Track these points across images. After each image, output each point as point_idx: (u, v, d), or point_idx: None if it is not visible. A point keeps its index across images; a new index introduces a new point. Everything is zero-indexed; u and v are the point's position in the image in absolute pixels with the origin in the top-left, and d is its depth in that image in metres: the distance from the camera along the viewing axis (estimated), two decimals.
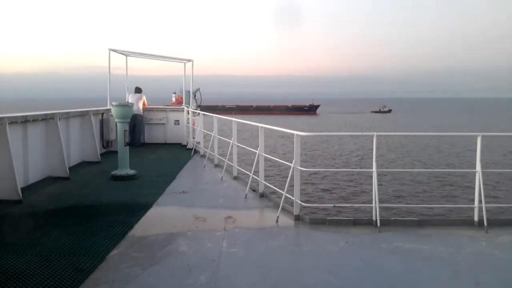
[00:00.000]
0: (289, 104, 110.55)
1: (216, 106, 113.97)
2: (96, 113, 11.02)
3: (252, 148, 7.51)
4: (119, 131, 8.54)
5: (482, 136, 5.52)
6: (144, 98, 13.13)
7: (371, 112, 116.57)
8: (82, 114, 10.27)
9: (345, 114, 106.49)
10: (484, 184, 5.47)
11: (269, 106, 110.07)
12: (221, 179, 8.40)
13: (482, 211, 5.44)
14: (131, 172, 8.45)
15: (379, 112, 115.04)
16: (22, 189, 6.84)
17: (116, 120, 8.64)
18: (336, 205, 16.40)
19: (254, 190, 7.27)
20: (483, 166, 5.52)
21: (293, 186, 5.88)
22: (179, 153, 11.85)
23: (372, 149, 5.54)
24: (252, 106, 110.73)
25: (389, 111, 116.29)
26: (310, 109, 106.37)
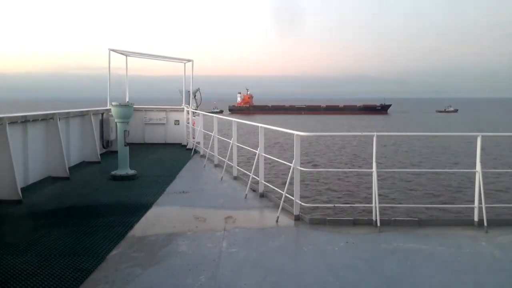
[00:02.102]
0: (360, 104, 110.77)
1: (283, 106, 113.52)
2: (96, 113, 11.02)
3: (252, 148, 7.51)
4: (119, 131, 8.54)
5: (482, 136, 5.52)
6: None
7: (436, 111, 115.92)
8: (82, 114, 10.27)
9: (414, 114, 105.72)
10: (484, 184, 5.47)
11: (338, 106, 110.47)
12: (221, 179, 8.40)
13: (482, 211, 5.44)
14: (131, 172, 8.45)
15: (444, 112, 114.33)
16: (22, 189, 6.84)
17: (116, 120, 8.63)
18: (336, 205, 16.41)
19: (254, 190, 7.27)
20: (483, 166, 5.52)
21: (293, 186, 5.88)
22: (179, 153, 11.84)
23: (372, 149, 5.53)
24: (320, 106, 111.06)
25: (455, 111, 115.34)
26: (382, 109, 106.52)
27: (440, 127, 62.34)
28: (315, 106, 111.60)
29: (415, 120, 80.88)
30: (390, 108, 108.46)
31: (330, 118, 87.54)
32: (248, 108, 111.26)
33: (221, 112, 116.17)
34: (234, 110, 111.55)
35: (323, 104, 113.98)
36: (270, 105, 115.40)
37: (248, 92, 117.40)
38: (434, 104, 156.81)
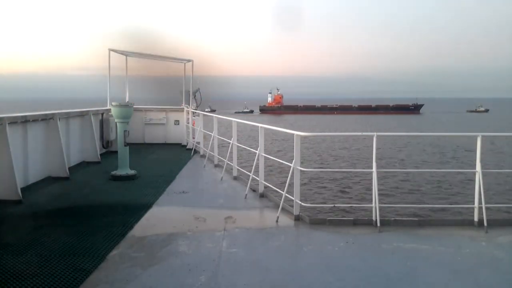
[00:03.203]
0: (391, 104, 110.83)
1: (314, 106, 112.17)
2: (96, 113, 11.01)
3: (253, 148, 7.51)
4: (119, 131, 8.54)
5: (482, 136, 5.52)
6: None
7: (467, 111, 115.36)
8: (82, 114, 10.27)
9: (445, 114, 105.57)
10: (484, 184, 5.47)
11: (371, 105, 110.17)
12: (221, 179, 8.40)
13: (482, 211, 5.44)
14: (131, 172, 8.45)
15: (475, 111, 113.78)
16: (22, 189, 6.84)
17: (116, 120, 8.64)
18: (336, 205, 16.41)
19: (254, 190, 7.27)
20: (483, 166, 5.52)
21: (293, 186, 5.88)
22: (179, 153, 11.84)
23: (372, 149, 5.53)
24: (352, 105, 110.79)
25: (486, 110, 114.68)
26: (415, 108, 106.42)
27: (475, 127, 62.26)
28: (347, 106, 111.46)
29: (449, 120, 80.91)
30: (423, 107, 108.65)
31: (362, 117, 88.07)
32: (279, 108, 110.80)
33: (251, 112, 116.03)
34: (265, 110, 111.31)
35: (355, 104, 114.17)
36: (300, 105, 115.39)
37: (278, 92, 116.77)
38: (462, 104, 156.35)
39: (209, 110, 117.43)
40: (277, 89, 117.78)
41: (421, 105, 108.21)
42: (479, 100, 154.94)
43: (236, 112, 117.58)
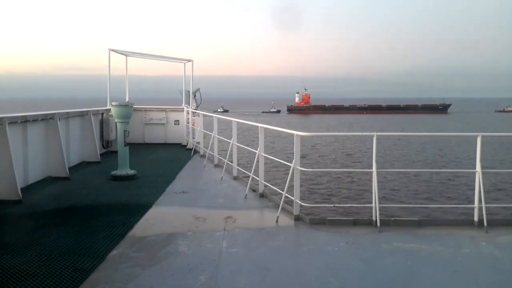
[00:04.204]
0: (419, 104, 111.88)
1: (342, 105, 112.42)
2: (96, 113, 11.01)
3: (253, 148, 7.51)
4: (119, 131, 8.54)
5: (482, 136, 5.52)
6: None
7: (495, 111, 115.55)
8: (82, 114, 10.27)
9: (473, 114, 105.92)
10: (484, 184, 5.46)
11: (399, 105, 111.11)
12: (221, 179, 8.40)
13: (482, 211, 5.44)
14: (131, 172, 8.45)
15: (503, 111, 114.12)
16: (22, 189, 6.83)
17: (116, 120, 8.63)
18: (336, 205, 16.42)
19: (254, 190, 7.27)
20: (483, 166, 5.52)
21: (293, 186, 5.88)
22: (179, 153, 11.84)
23: (372, 149, 5.53)
24: (381, 105, 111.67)
25: None
26: (443, 108, 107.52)
27: (501, 127, 62.35)
28: (376, 106, 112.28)
29: (476, 120, 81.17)
30: (450, 107, 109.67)
31: (392, 117, 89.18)
32: (308, 108, 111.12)
33: (278, 112, 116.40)
34: (293, 110, 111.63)
35: (384, 104, 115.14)
36: (327, 105, 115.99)
37: (306, 92, 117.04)
38: (490, 104, 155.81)
39: (221, 110, 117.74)
40: (305, 89, 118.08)
41: (449, 105, 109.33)
42: (509, 100, 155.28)
43: (263, 112, 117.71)
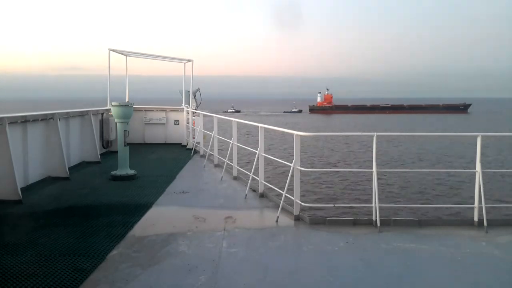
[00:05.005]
0: (440, 104, 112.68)
1: (364, 105, 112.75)
2: (96, 113, 11.02)
3: (253, 148, 7.51)
4: (119, 131, 8.54)
5: (482, 136, 5.52)
6: None
7: None
8: (82, 114, 10.27)
9: (493, 113, 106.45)
10: (484, 184, 5.46)
11: (421, 105, 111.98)
12: (221, 179, 8.40)
13: (482, 211, 5.44)
14: (131, 172, 8.45)
15: None
16: (22, 189, 6.83)
17: (116, 120, 8.63)
18: (336, 205, 16.39)
19: (254, 190, 7.27)
20: (483, 166, 5.51)
21: (293, 186, 5.88)
22: (179, 153, 11.84)
23: (372, 149, 5.53)
24: (403, 105, 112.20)
25: None
26: (464, 108, 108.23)
27: None
28: (398, 106, 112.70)
29: (496, 119, 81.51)
30: (470, 107, 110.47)
31: (413, 116, 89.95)
32: (331, 108, 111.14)
33: (300, 112, 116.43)
34: (315, 110, 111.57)
35: (405, 104, 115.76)
36: (349, 104, 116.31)
37: (327, 92, 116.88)
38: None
39: (232, 111, 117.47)
40: (327, 89, 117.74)
41: (469, 105, 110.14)
42: None
43: (285, 112, 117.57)
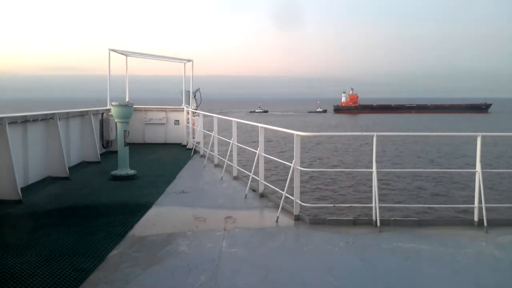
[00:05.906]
0: (462, 103, 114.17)
1: (390, 105, 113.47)
2: (96, 113, 11.01)
3: (252, 148, 7.50)
4: (119, 131, 8.54)
5: (482, 136, 5.52)
6: None
7: None
8: (82, 114, 10.27)
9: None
10: (484, 184, 5.46)
11: (444, 105, 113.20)
12: (221, 179, 8.40)
13: (482, 211, 5.44)
14: (131, 172, 8.45)
15: None
16: (22, 189, 6.83)
17: (116, 120, 8.64)
18: (336, 205, 16.42)
19: (254, 190, 7.27)
20: (483, 166, 5.51)
21: (293, 186, 5.88)
22: (179, 153, 11.84)
23: (372, 149, 5.53)
24: (427, 105, 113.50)
25: None
26: (485, 108, 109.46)
27: None
28: (422, 105, 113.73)
29: None
30: (491, 107, 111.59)
31: (436, 116, 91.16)
32: (356, 107, 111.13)
33: (324, 111, 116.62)
34: (340, 110, 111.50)
35: (429, 104, 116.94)
36: (374, 104, 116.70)
37: (352, 92, 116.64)
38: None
39: (260, 110, 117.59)
40: (351, 89, 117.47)
41: (490, 105, 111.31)
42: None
43: (309, 112, 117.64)
